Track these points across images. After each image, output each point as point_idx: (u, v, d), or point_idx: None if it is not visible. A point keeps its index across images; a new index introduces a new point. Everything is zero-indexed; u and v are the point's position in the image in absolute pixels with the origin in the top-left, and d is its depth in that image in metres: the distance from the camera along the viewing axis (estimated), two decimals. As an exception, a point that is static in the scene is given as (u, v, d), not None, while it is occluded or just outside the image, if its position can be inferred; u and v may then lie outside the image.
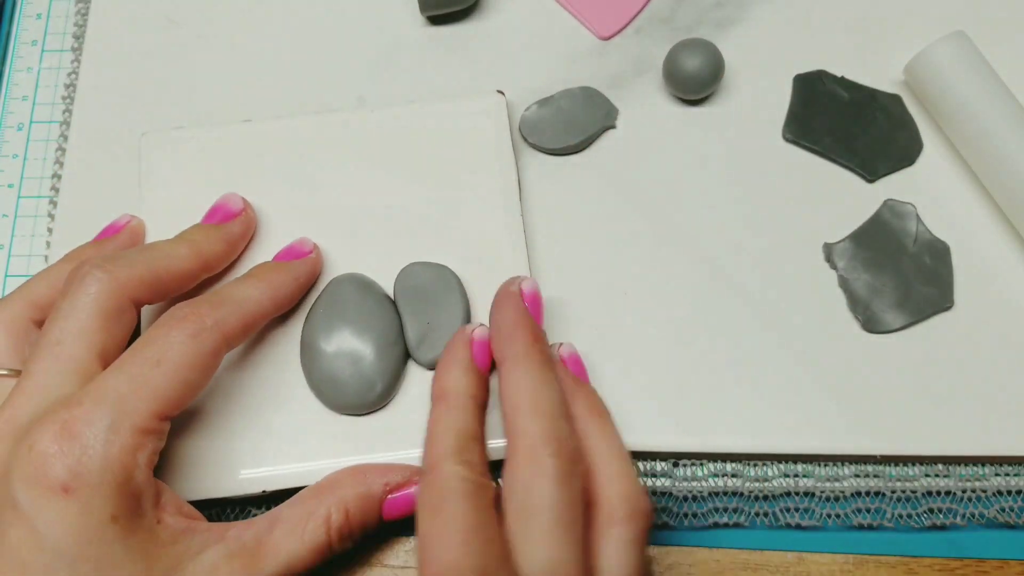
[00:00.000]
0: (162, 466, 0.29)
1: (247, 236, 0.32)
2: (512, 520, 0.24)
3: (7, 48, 0.40)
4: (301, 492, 0.28)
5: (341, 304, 0.30)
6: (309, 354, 0.30)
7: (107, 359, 0.26)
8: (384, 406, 0.30)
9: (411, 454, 0.29)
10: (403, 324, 0.31)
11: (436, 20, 0.38)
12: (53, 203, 0.36)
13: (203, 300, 0.27)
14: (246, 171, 0.33)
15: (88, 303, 0.26)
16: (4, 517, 0.23)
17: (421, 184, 0.33)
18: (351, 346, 0.30)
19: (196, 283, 0.30)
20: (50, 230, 0.35)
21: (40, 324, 0.28)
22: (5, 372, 0.27)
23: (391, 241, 0.32)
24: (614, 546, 0.25)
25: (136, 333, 0.28)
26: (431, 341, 0.30)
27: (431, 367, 0.31)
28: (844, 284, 0.33)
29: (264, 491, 0.29)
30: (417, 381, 0.31)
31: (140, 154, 0.34)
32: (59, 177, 0.36)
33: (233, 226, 0.31)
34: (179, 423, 0.30)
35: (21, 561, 0.23)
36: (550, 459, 0.24)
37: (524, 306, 0.28)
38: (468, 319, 0.31)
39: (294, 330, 0.31)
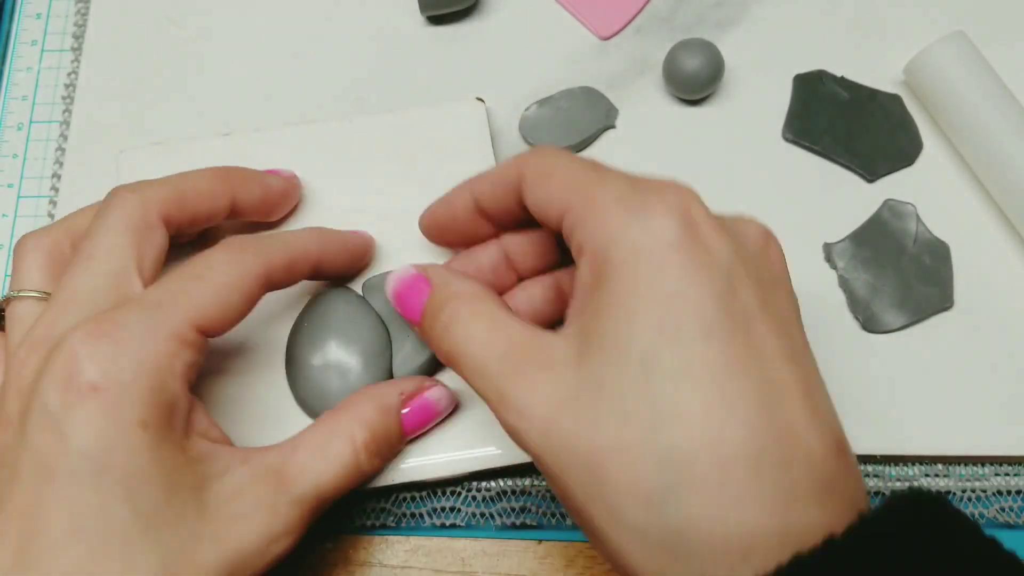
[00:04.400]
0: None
1: (287, 196, 0.32)
2: None
3: (7, 48, 0.40)
4: (320, 419, 0.27)
5: (327, 316, 0.30)
6: (295, 367, 0.30)
7: (143, 275, 0.26)
8: None
9: (401, 465, 0.29)
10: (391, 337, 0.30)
11: (436, 20, 0.38)
12: (53, 203, 0.36)
13: (251, 235, 0.27)
14: None
15: (117, 220, 0.26)
16: (32, 422, 0.22)
17: (402, 191, 0.33)
18: (337, 359, 0.29)
19: (226, 212, 0.29)
20: (50, 230, 0.35)
21: None
22: (40, 294, 0.27)
23: (376, 248, 0.32)
24: None
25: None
26: (405, 359, 0.30)
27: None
28: (844, 284, 0.33)
29: None
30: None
31: (118, 171, 0.33)
32: (59, 177, 0.36)
33: (271, 177, 0.31)
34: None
35: (47, 467, 0.22)
36: None
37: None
38: None
39: (280, 343, 0.31)
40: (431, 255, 0.32)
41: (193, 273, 0.25)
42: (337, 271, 0.30)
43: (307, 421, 0.30)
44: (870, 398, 0.31)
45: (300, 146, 0.34)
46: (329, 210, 0.33)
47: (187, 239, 0.30)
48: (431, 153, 0.33)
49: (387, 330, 0.30)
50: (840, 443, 0.22)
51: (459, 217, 0.28)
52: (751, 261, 0.23)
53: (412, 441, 0.29)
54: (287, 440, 0.26)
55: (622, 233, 0.22)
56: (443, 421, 0.30)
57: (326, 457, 0.26)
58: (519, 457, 0.29)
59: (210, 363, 0.30)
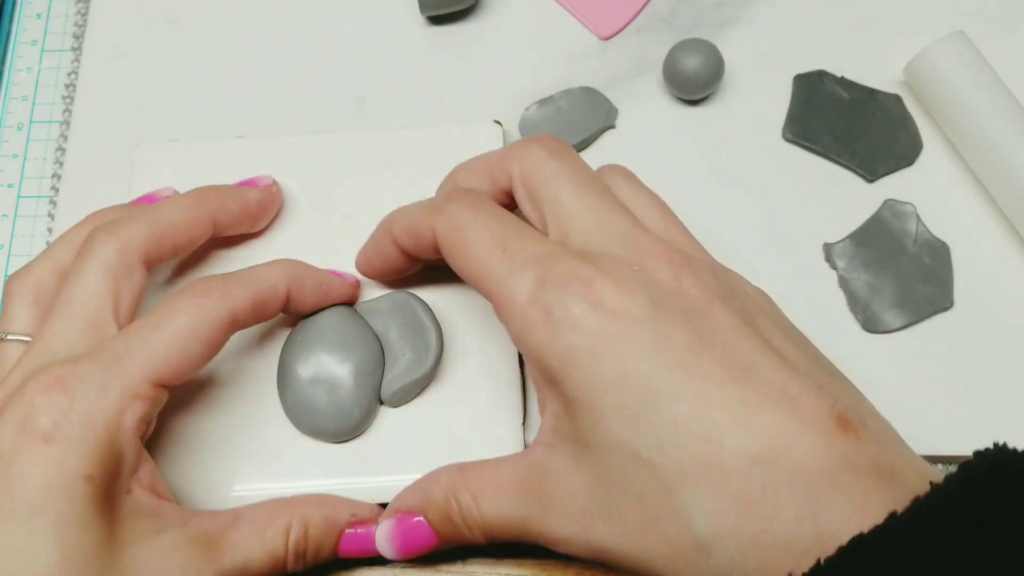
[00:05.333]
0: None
1: (266, 208, 0.32)
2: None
3: (7, 48, 0.40)
4: (269, 500, 0.28)
5: (321, 330, 0.30)
6: (285, 379, 0.30)
7: (120, 318, 0.26)
8: (360, 435, 0.30)
9: (387, 481, 0.29)
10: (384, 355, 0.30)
11: (436, 20, 0.38)
12: (53, 203, 0.36)
13: (215, 275, 0.27)
14: None
15: (96, 265, 0.27)
16: None
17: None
18: (329, 373, 0.29)
19: (206, 238, 0.30)
20: (50, 230, 0.35)
21: None
22: (27, 337, 0.27)
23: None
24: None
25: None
26: (395, 378, 0.30)
27: (391, 405, 0.30)
28: (844, 284, 0.33)
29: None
30: (394, 411, 0.30)
31: (132, 165, 0.34)
32: (59, 177, 0.36)
33: (249, 191, 0.31)
34: (154, 443, 0.29)
35: None
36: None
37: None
38: (441, 349, 0.30)
39: (273, 354, 0.31)
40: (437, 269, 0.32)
41: (154, 322, 0.26)
42: (308, 308, 0.30)
43: (295, 433, 0.30)
44: (870, 398, 0.31)
45: (314, 155, 0.34)
46: (338, 220, 0.33)
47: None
48: (444, 171, 0.33)
49: (381, 348, 0.30)
50: (842, 415, 0.22)
51: (394, 261, 0.30)
52: (668, 290, 0.24)
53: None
54: (232, 510, 0.27)
55: (549, 342, 0.23)
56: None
57: (260, 540, 0.26)
58: None
59: (203, 371, 0.30)
